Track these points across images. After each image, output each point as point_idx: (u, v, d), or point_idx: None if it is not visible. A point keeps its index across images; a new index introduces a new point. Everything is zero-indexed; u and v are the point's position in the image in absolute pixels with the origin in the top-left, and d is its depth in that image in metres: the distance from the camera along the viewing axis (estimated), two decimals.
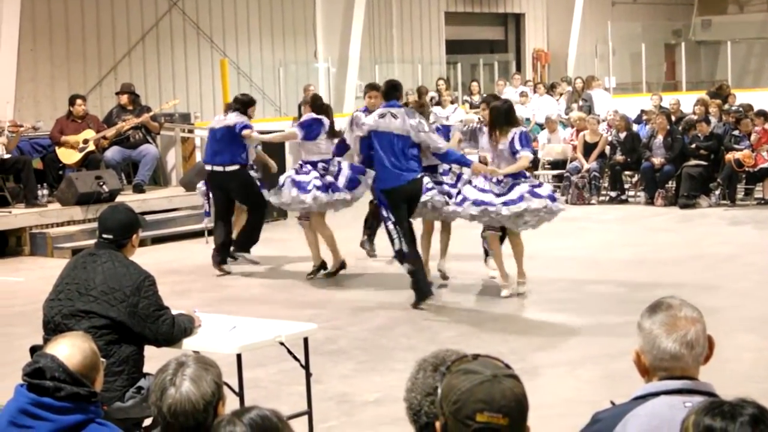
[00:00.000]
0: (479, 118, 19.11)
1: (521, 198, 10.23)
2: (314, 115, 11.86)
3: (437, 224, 11.47)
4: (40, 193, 14.85)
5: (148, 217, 12.42)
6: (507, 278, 10.64)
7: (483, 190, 10.40)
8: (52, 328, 5.64)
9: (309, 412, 6.46)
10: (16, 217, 14.37)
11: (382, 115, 10.44)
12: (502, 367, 2.73)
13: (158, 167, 16.99)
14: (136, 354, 5.77)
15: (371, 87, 12.10)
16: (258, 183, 12.30)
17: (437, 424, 2.72)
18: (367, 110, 11.85)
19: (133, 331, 5.69)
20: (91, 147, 15.42)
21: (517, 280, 10.75)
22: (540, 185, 10.71)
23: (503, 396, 2.63)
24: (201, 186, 12.89)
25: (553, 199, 10.44)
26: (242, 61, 21.51)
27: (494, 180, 10.40)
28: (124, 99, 16.33)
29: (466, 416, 2.63)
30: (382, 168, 10.38)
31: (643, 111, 19.94)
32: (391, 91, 10.70)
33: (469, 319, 9.97)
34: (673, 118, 18.69)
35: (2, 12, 16.21)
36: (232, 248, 12.49)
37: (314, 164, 11.83)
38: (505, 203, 10.23)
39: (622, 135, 18.05)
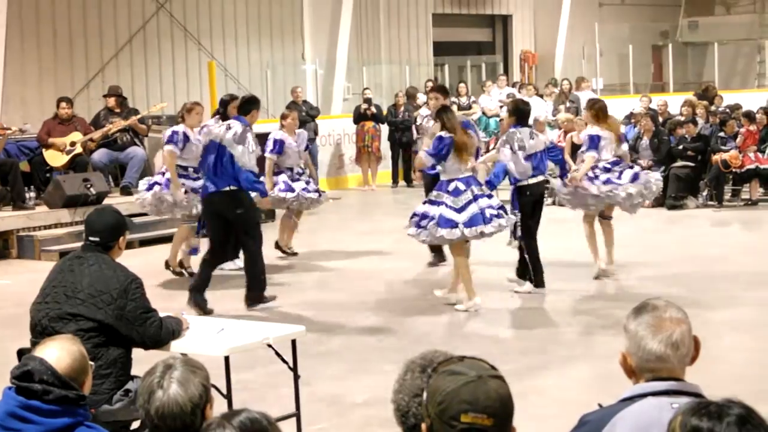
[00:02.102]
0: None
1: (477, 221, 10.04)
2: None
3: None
4: (27, 195, 14.81)
5: (135, 220, 12.44)
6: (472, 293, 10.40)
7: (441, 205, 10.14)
8: (39, 331, 5.64)
9: (297, 414, 6.46)
10: (3, 219, 14.32)
11: (222, 126, 10.50)
12: (487, 369, 2.73)
13: (146, 169, 16.94)
14: (123, 357, 5.76)
15: (431, 89, 12.15)
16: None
17: (423, 426, 2.72)
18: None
19: (121, 334, 5.68)
20: (79, 149, 15.38)
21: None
22: (490, 197, 10.40)
23: (488, 397, 2.64)
24: None
25: (502, 213, 10.26)
26: (230, 63, 21.50)
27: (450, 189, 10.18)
28: (112, 102, 16.28)
29: (450, 417, 2.64)
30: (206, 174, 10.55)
31: (631, 113, 19.99)
32: (243, 106, 10.73)
33: (459, 320, 9.98)
34: (660, 119, 18.74)
35: None
36: None
37: None
38: (466, 224, 9.99)
39: None
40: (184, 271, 12.33)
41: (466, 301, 10.30)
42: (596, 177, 11.47)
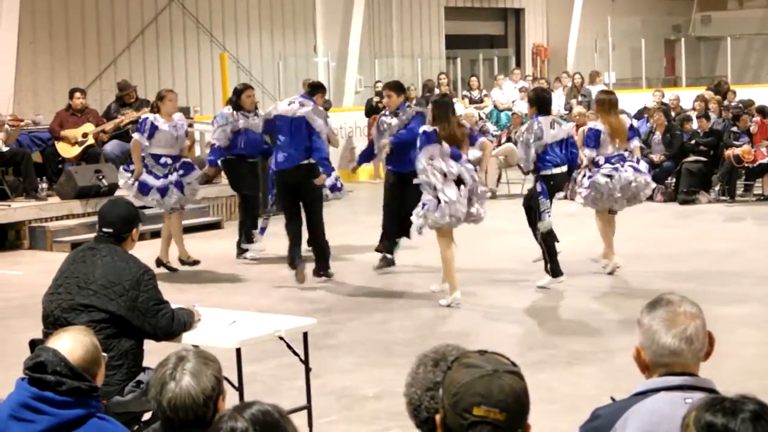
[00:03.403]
0: (479, 114, 19.07)
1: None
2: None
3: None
4: (39, 186, 14.85)
5: (147, 212, 12.45)
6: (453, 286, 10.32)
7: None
8: (52, 321, 5.66)
9: (308, 407, 6.48)
10: (16, 210, 14.39)
11: (291, 102, 11.18)
12: (505, 364, 2.73)
13: None
14: (135, 348, 5.78)
15: (385, 86, 12.21)
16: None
17: (437, 417, 2.73)
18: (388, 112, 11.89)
19: (133, 325, 5.70)
20: (91, 141, 15.42)
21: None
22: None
23: (501, 391, 2.64)
24: None
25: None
26: (242, 56, 21.53)
27: None
28: (131, 96, 16.33)
29: (463, 409, 2.64)
30: (278, 149, 11.15)
31: (645, 107, 19.97)
32: (311, 90, 11.64)
33: (469, 314, 9.98)
34: (673, 114, 18.70)
35: (2, 4, 16.22)
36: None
37: None
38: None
39: None
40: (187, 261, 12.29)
41: (448, 295, 10.21)
42: (598, 166, 11.39)
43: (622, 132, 11.45)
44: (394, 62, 24.64)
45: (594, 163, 11.38)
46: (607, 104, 11.53)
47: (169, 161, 11.90)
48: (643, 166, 11.78)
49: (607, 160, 11.35)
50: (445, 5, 26.16)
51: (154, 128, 11.83)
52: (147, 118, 12.01)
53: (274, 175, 11.33)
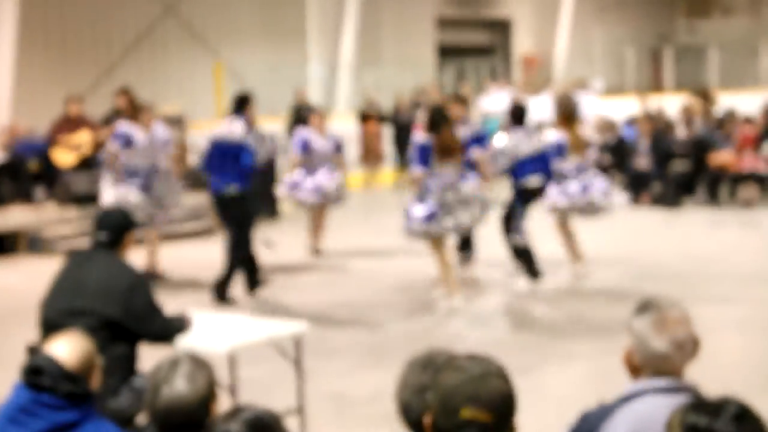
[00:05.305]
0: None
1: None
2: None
3: None
4: (35, 194, 14.90)
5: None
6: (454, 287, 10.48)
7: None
8: (48, 327, 5.68)
9: (301, 410, 6.52)
10: (12, 217, 14.43)
11: (227, 125, 10.92)
12: (493, 366, 2.79)
13: None
14: (129, 353, 5.79)
15: (451, 98, 12.29)
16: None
17: (427, 419, 2.78)
18: None
19: (127, 330, 5.72)
20: (87, 149, 15.44)
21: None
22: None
23: (489, 393, 2.70)
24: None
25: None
26: (236, 64, 21.56)
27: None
28: (122, 101, 16.32)
29: (452, 411, 2.70)
30: (216, 172, 10.83)
31: (631, 115, 20.08)
32: (240, 105, 11.10)
33: (459, 318, 10.02)
34: (658, 121, 18.81)
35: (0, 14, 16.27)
36: None
37: None
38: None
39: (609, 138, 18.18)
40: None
41: (447, 298, 10.39)
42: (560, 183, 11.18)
43: (580, 146, 11.21)
44: (385, 70, 24.70)
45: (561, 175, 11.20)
46: (563, 115, 11.28)
47: (145, 172, 11.93)
48: (605, 184, 11.49)
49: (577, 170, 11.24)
50: (435, 15, 26.23)
51: (131, 139, 11.84)
52: (123, 129, 11.96)
53: (216, 198, 10.93)
